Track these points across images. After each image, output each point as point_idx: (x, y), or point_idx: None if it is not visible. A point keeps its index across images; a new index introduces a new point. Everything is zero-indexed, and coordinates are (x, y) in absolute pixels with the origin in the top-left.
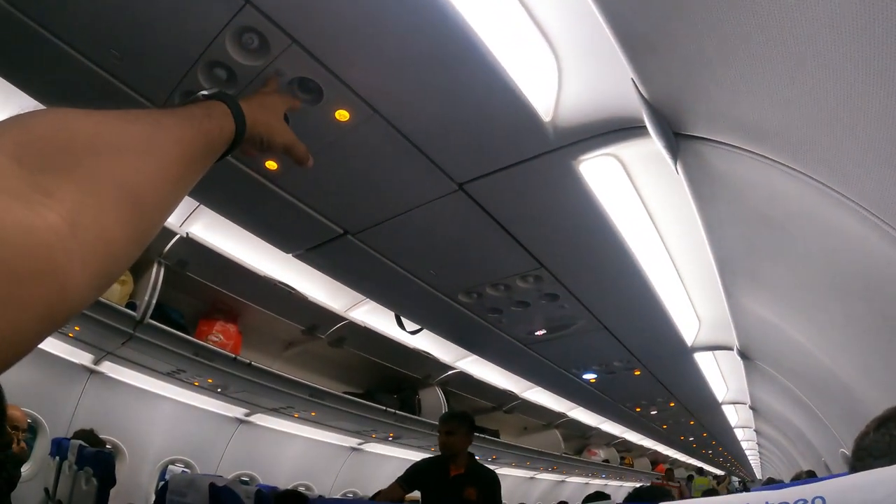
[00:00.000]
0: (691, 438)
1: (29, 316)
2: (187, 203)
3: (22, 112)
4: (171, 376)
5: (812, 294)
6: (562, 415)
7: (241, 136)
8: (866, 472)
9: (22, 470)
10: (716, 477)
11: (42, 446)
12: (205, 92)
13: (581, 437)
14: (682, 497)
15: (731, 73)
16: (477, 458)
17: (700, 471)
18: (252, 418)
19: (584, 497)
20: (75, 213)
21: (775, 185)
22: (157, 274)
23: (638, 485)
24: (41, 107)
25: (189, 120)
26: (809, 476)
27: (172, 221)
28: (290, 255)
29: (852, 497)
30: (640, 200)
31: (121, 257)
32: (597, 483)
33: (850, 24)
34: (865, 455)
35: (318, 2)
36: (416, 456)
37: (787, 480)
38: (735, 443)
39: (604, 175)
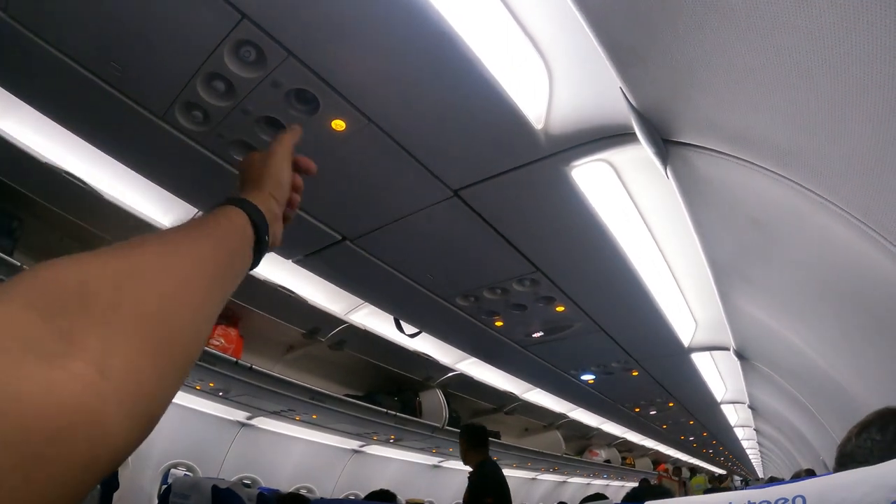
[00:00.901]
0: (691, 438)
1: (71, 471)
2: (187, 209)
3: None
4: None
5: (803, 296)
6: (562, 416)
7: (263, 231)
8: (845, 472)
9: None
10: (717, 476)
11: None
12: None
13: (582, 437)
14: (685, 493)
15: (716, 82)
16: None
17: (693, 470)
18: (254, 421)
19: (583, 498)
20: (102, 355)
21: (762, 190)
22: None
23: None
24: (42, 116)
25: (204, 234)
26: (809, 474)
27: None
28: (289, 260)
29: (832, 496)
30: (633, 204)
31: (157, 393)
32: (598, 483)
33: (830, 33)
34: (848, 460)
35: (314, 16)
36: (418, 458)
37: (787, 479)
38: (735, 442)
39: (596, 180)
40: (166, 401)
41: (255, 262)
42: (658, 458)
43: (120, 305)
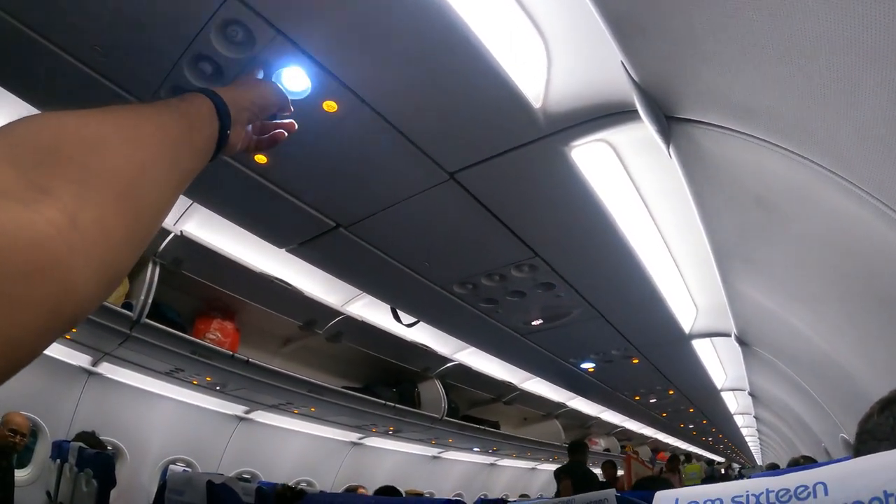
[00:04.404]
0: (691, 426)
1: (37, 313)
2: (180, 201)
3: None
4: (170, 375)
5: (809, 277)
6: (561, 405)
7: (225, 116)
8: (867, 457)
9: (23, 474)
10: (719, 464)
11: (43, 449)
12: None
13: (581, 426)
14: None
15: (721, 53)
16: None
17: (689, 457)
18: (252, 415)
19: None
20: (74, 207)
21: (769, 167)
22: (152, 273)
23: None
24: (22, 103)
25: (166, 106)
26: (807, 461)
27: (166, 220)
28: (283, 249)
29: (854, 482)
30: (634, 186)
31: (122, 250)
32: (598, 472)
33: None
34: (869, 438)
35: None
36: (418, 449)
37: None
38: (735, 430)
39: (596, 161)
40: (128, 263)
41: (214, 155)
42: (657, 447)
43: (93, 166)
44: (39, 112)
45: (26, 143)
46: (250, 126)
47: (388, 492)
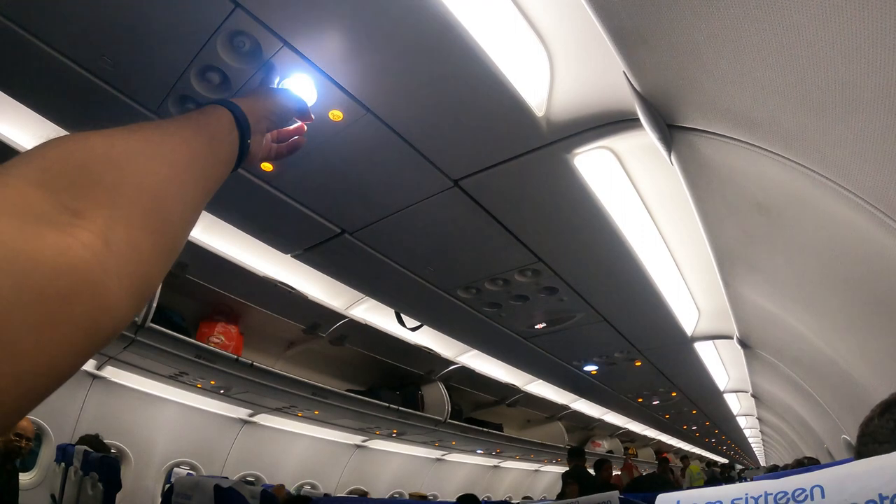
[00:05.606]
0: (694, 427)
1: (76, 333)
2: None
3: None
4: (174, 379)
5: (809, 282)
6: (564, 407)
7: (244, 126)
8: (863, 461)
9: (27, 477)
10: (720, 465)
11: (47, 453)
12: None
13: (584, 428)
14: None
15: (722, 63)
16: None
17: (684, 458)
18: (256, 418)
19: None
20: (105, 229)
21: (769, 175)
22: None
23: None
24: (36, 115)
25: (187, 121)
26: (811, 462)
27: None
28: (288, 255)
29: (850, 485)
30: (636, 192)
31: (153, 266)
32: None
33: (839, 12)
34: (870, 440)
35: (309, 4)
36: (422, 452)
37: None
38: (738, 431)
39: (599, 168)
40: (159, 278)
41: (235, 166)
42: (660, 448)
43: (121, 185)
44: (66, 134)
45: (56, 166)
46: (268, 134)
47: (467, 499)
